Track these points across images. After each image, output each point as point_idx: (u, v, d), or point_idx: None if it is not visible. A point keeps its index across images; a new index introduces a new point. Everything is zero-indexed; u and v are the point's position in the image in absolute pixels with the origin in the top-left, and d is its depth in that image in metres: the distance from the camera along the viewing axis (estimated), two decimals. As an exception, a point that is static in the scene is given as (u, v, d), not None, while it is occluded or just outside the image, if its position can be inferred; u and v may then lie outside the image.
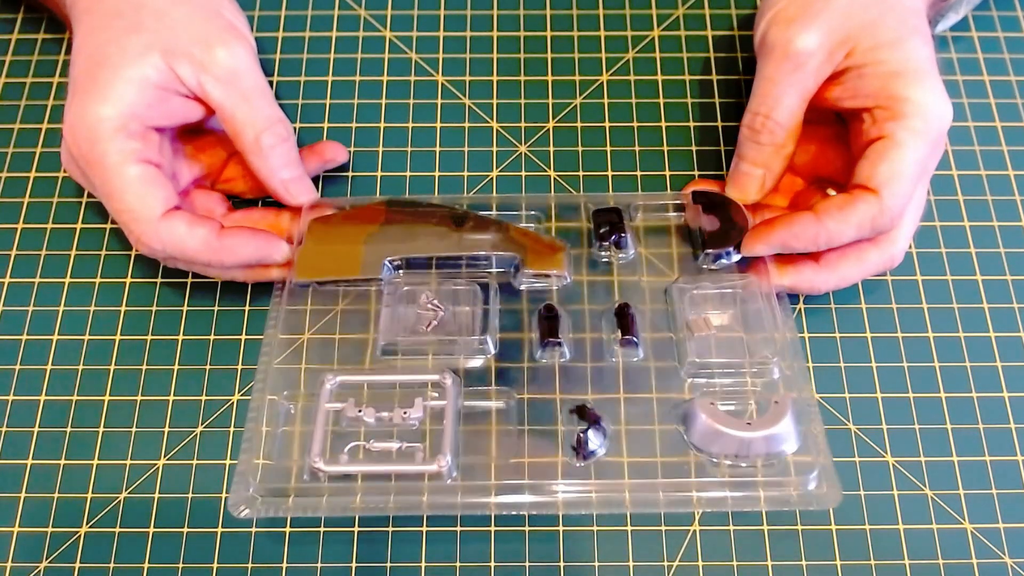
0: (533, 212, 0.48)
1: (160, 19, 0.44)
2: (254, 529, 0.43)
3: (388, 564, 0.42)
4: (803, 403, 0.42)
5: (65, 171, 0.47)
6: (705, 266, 0.46)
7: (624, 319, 0.45)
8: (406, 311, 0.45)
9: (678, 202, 0.48)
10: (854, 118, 0.45)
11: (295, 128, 0.52)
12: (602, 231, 0.47)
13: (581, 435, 0.41)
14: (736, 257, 0.46)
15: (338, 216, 0.47)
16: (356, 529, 0.43)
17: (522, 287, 0.46)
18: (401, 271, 0.46)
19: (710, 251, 0.46)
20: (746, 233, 0.45)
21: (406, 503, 0.39)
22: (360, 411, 0.41)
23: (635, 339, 0.44)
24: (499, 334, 0.45)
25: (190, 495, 0.44)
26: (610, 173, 0.51)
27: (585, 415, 0.42)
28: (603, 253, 0.47)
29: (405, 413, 0.41)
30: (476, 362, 0.44)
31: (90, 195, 0.50)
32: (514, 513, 0.42)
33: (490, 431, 0.42)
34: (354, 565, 0.42)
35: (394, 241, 0.46)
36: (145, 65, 0.42)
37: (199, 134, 0.49)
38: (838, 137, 0.47)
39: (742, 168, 0.46)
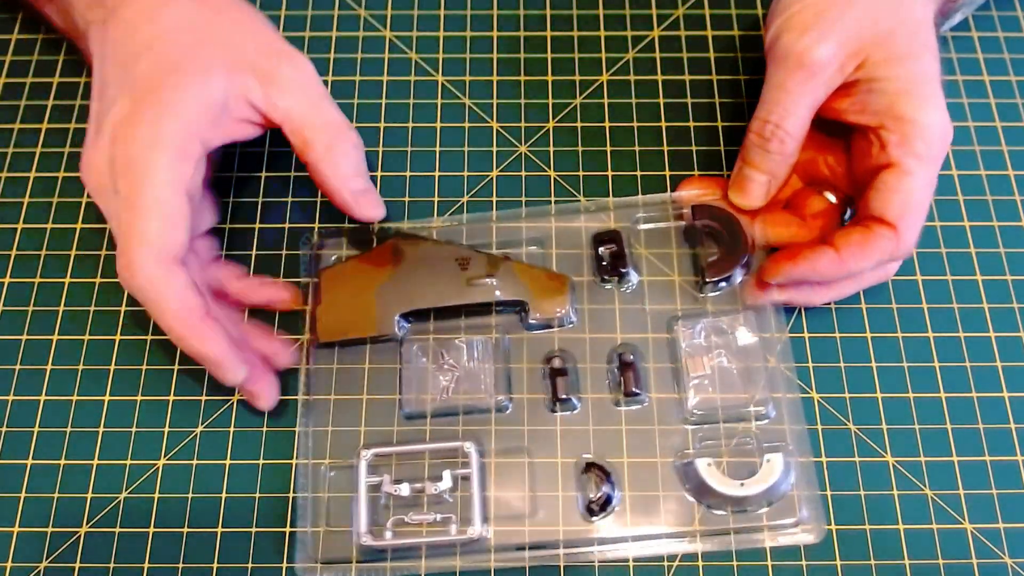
0: (533, 235, 0.48)
1: (226, 35, 0.43)
2: (254, 529, 0.43)
3: (388, 564, 0.42)
4: (794, 443, 0.44)
5: (82, 166, 0.43)
6: (704, 295, 0.47)
7: (626, 369, 0.45)
8: (424, 372, 0.46)
9: (678, 211, 0.48)
10: (860, 135, 0.45)
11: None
12: (604, 263, 0.47)
13: (592, 498, 0.43)
14: (737, 280, 0.46)
15: (349, 266, 0.47)
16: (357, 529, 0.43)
17: (529, 330, 0.46)
18: (412, 321, 0.46)
19: (711, 279, 0.46)
20: (747, 247, 0.46)
21: (443, 567, 0.43)
22: (396, 489, 0.43)
23: (638, 391, 0.45)
24: (513, 386, 0.45)
25: (190, 495, 0.44)
26: (610, 173, 0.51)
27: (596, 472, 0.43)
28: (605, 285, 0.47)
29: (436, 488, 0.43)
30: (494, 418, 0.45)
31: (90, 196, 0.50)
32: (518, 566, 0.43)
33: (513, 492, 0.44)
34: (354, 564, 0.42)
35: (404, 293, 0.46)
36: (211, 81, 0.41)
37: (205, 186, 0.47)
38: (837, 143, 0.47)
39: (747, 174, 0.46)
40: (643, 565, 0.42)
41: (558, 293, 0.46)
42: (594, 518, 0.43)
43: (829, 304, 0.48)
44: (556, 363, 0.45)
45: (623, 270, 0.47)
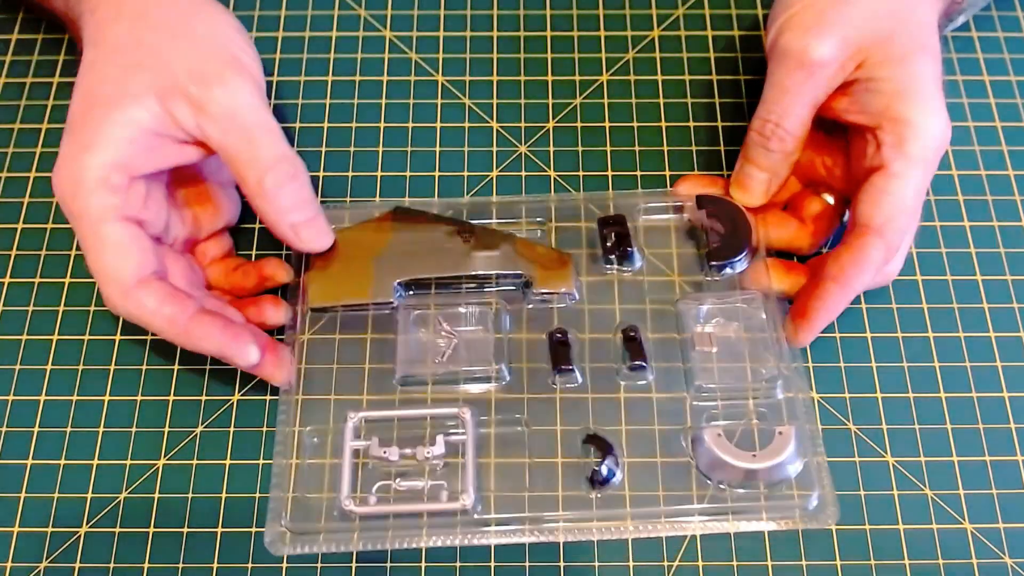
0: (538, 219, 0.48)
1: (159, 56, 0.41)
2: (254, 529, 0.43)
3: (388, 564, 0.42)
4: (803, 425, 0.43)
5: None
6: (709, 278, 0.47)
7: (632, 344, 0.45)
8: (420, 338, 0.45)
9: (679, 203, 0.48)
10: (857, 135, 0.45)
11: (295, 128, 0.52)
12: (608, 244, 0.47)
13: (596, 468, 0.42)
14: (740, 267, 0.46)
15: (344, 234, 0.47)
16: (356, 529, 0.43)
17: (531, 306, 0.46)
18: (411, 291, 0.46)
19: (715, 263, 0.46)
20: (751, 234, 0.46)
21: (434, 538, 0.41)
22: (385, 451, 0.42)
23: (644, 364, 0.44)
24: (512, 358, 0.45)
25: (190, 495, 0.44)
26: (610, 173, 0.51)
27: (598, 445, 0.43)
28: (609, 266, 0.47)
29: (428, 452, 0.42)
30: (491, 388, 0.45)
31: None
32: (513, 542, 0.42)
33: (508, 463, 0.43)
34: (354, 565, 0.42)
35: (402, 261, 0.46)
36: (139, 108, 0.40)
37: (209, 189, 0.46)
38: (835, 144, 0.47)
39: (749, 171, 0.46)
40: (642, 565, 0.42)
41: (562, 269, 0.46)
42: (595, 491, 0.42)
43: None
44: (559, 335, 0.45)
45: (628, 249, 0.47)
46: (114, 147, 0.40)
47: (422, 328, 0.45)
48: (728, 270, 0.47)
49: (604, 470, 0.42)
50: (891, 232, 0.43)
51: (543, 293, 0.46)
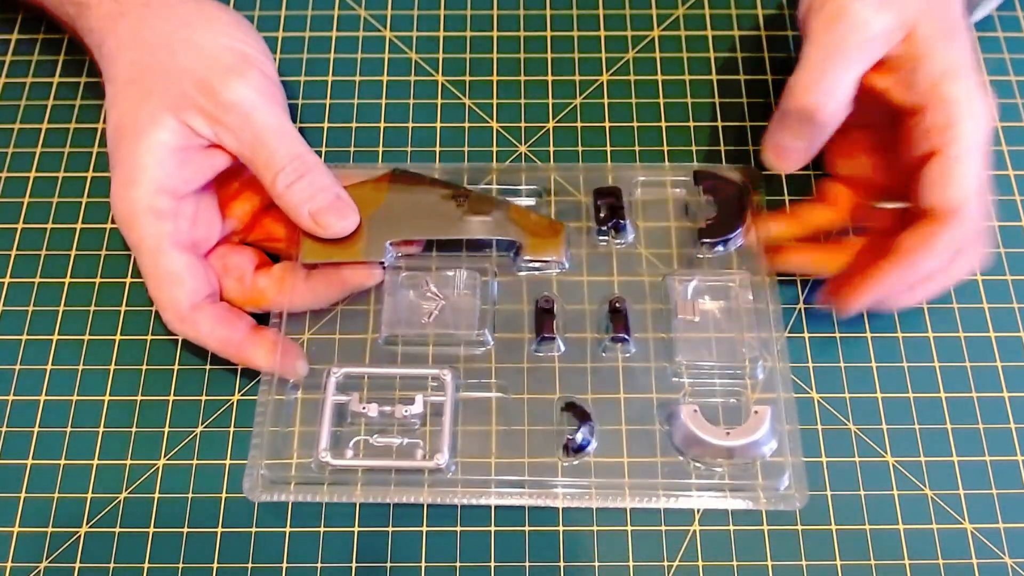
0: (533, 187, 0.49)
1: (164, 76, 0.42)
2: (254, 529, 0.43)
3: (388, 564, 0.42)
4: (781, 407, 0.43)
5: None
6: (700, 255, 0.47)
7: (617, 315, 0.45)
8: (407, 299, 0.46)
9: (677, 178, 0.49)
10: (903, 119, 0.43)
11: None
12: (602, 215, 0.47)
13: (571, 436, 0.43)
14: (733, 246, 0.47)
15: None
16: (356, 529, 0.43)
17: (521, 273, 0.47)
18: (400, 254, 0.46)
19: (707, 240, 0.46)
20: (746, 213, 0.46)
21: (406, 494, 0.42)
22: (364, 407, 0.43)
23: (626, 337, 0.45)
24: (497, 324, 0.46)
25: (190, 495, 0.44)
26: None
27: (576, 413, 0.43)
28: (602, 238, 0.47)
29: (407, 411, 0.43)
30: (474, 352, 0.45)
31: (90, 195, 0.50)
32: (483, 503, 0.43)
33: (485, 427, 0.44)
34: (354, 565, 0.42)
35: (396, 222, 0.46)
36: (160, 130, 0.41)
37: (233, 182, 0.47)
38: (883, 142, 0.45)
39: (784, 140, 0.44)
40: (642, 565, 0.42)
41: (553, 238, 0.46)
42: (569, 459, 0.43)
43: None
44: (545, 303, 0.45)
45: (621, 222, 0.47)
46: (150, 174, 0.42)
47: (410, 289, 0.46)
48: (720, 248, 0.47)
49: (579, 438, 0.43)
50: (966, 213, 0.41)
51: (533, 260, 0.46)
